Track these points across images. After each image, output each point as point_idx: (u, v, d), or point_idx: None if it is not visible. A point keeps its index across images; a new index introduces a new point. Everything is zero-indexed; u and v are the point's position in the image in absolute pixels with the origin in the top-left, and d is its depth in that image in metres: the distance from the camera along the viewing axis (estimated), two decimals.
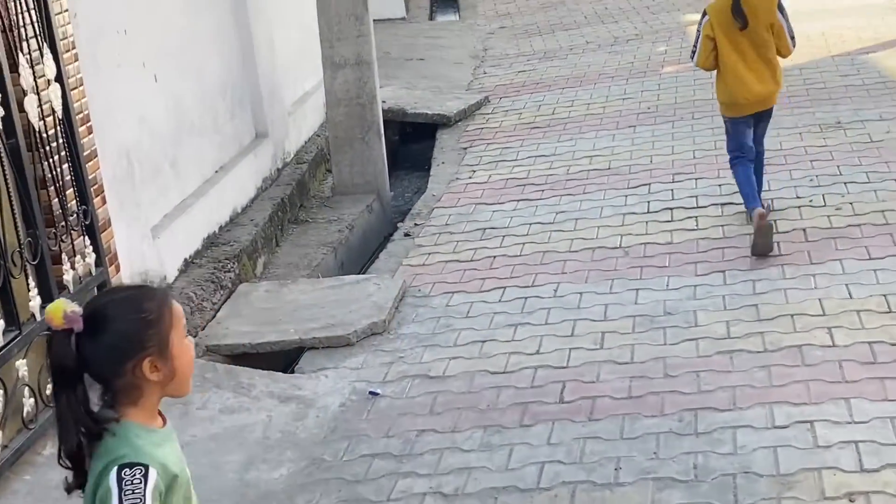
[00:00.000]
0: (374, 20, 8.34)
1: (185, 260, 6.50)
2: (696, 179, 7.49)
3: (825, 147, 7.76)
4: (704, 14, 6.45)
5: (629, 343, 5.36)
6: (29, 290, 4.64)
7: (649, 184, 7.55)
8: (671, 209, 7.04)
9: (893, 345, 4.96)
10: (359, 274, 6.93)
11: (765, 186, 7.12)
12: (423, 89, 10.76)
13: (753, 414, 4.53)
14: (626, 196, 7.38)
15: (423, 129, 9.92)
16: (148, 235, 6.04)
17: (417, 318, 5.93)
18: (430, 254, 6.89)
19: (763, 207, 6.29)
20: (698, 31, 6.49)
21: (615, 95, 9.88)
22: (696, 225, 6.74)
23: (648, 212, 7.06)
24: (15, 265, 4.52)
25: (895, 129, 7.87)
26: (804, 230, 6.41)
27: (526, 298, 5.99)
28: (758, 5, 6.31)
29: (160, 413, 2.36)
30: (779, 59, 6.48)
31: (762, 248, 6.12)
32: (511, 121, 9.60)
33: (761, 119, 6.61)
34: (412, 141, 10.11)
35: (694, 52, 6.54)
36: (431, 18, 15.03)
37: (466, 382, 5.14)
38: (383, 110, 8.56)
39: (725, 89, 6.49)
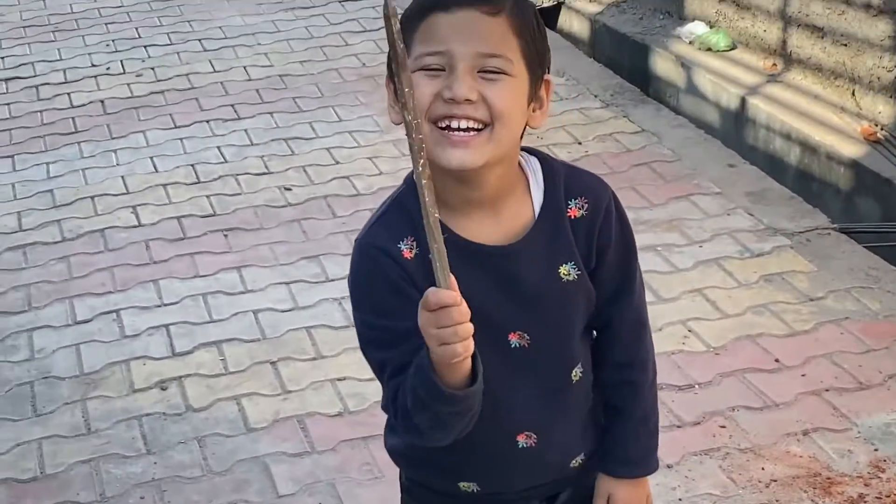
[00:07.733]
0: None
1: None
2: None
3: (121, 8, 7.89)
4: None
5: None
6: None
7: None
8: None
9: (202, 217, 5.26)
10: None
11: (55, 55, 7.14)
12: None
13: (52, 312, 4.57)
14: None
15: None
16: None
17: None
18: None
19: None
20: None
21: None
22: None
23: None
24: None
25: None
26: (102, 102, 6.51)
27: None
28: None
29: None
30: None
31: None
32: None
33: None
34: None
35: None
36: None
37: None
38: None
39: None
